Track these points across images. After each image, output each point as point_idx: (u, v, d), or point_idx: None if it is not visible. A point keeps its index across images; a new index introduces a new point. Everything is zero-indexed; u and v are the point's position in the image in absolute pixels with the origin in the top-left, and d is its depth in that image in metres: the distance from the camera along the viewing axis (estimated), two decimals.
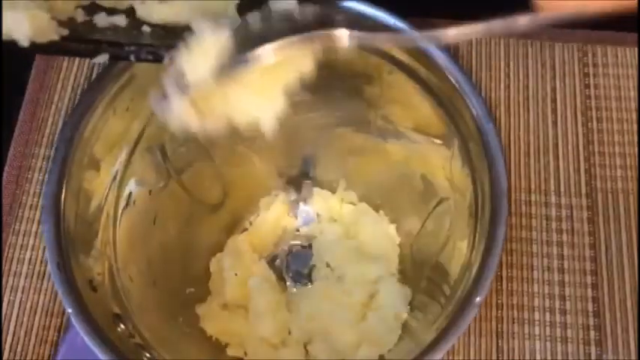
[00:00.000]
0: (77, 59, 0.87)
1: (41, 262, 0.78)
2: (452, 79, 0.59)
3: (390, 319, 0.70)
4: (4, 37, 0.48)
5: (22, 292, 0.77)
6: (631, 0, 0.42)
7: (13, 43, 0.48)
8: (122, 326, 0.58)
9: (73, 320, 0.54)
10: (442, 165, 0.66)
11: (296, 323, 0.73)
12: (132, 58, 0.53)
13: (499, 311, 0.75)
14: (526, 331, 0.74)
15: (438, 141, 0.65)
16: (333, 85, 0.69)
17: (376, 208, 0.79)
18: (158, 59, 0.52)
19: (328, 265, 0.77)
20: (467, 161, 0.61)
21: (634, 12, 0.43)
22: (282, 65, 0.49)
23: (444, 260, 0.68)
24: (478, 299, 0.53)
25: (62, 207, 0.57)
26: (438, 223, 0.71)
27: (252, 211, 0.80)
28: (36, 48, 0.49)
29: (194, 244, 0.77)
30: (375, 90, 0.68)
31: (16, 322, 0.76)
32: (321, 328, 0.72)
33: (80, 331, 0.53)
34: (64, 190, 0.58)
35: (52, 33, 0.50)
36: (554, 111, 0.84)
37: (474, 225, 0.59)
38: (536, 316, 0.75)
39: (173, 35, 0.51)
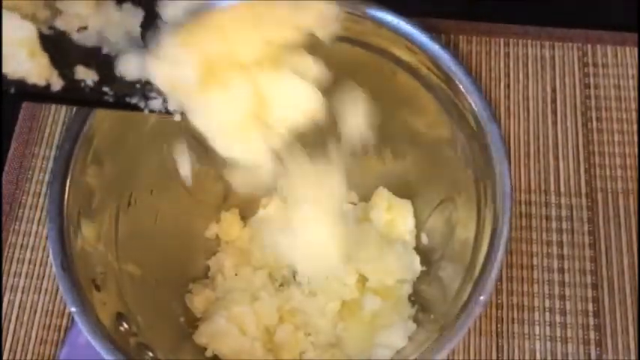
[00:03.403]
0: None
1: (41, 262, 0.79)
2: (455, 80, 0.59)
3: (393, 321, 0.69)
4: None
5: (22, 292, 0.77)
6: None
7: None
8: (125, 325, 0.57)
9: (77, 319, 0.53)
10: (445, 165, 0.66)
11: (297, 322, 0.72)
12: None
13: (499, 311, 0.75)
14: (526, 331, 0.74)
15: (441, 141, 0.65)
16: (336, 84, 0.68)
17: None
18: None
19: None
20: (470, 162, 0.61)
21: None
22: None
23: (447, 260, 0.68)
24: (482, 298, 0.53)
25: (66, 205, 0.57)
26: (439, 223, 0.71)
27: (253, 210, 0.80)
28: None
29: (195, 244, 0.77)
30: (378, 90, 0.67)
31: (16, 322, 0.76)
32: (322, 327, 0.72)
33: (84, 331, 0.53)
34: (67, 190, 0.57)
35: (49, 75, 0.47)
36: (554, 111, 0.84)
37: (477, 225, 0.59)
38: (536, 316, 0.75)
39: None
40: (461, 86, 0.59)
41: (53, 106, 0.86)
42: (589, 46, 0.87)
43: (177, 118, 0.50)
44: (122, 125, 0.63)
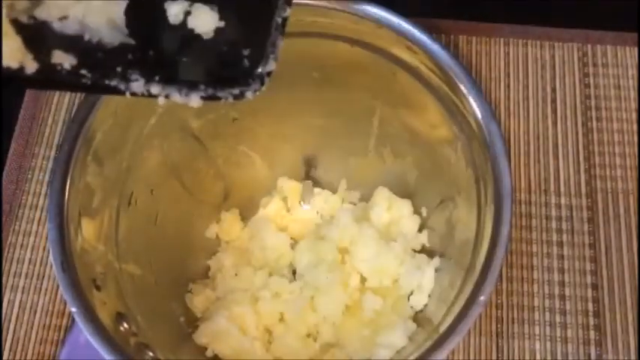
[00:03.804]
0: None
1: (41, 262, 0.79)
2: (456, 80, 0.59)
3: (393, 321, 0.69)
4: None
5: (22, 292, 0.77)
6: None
7: None
8: (125, 325, 0.57)
9: (78, 319, 0.53)
10: (445, 165, 0.66)
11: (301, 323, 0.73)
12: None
13: (499, 311, 0.75)
14: (526, 331, 0.74)
15: (442, 141, 0.65)
16: (336, 84, 0.69)
17: None
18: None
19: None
20: (470, 162, 0.61)
21: None
22: None
23: (447, 259, 0.68)
24: (482, 298, 0.53)
25: (66, 205, 0.57)
26: (440, 222, 0.71)
27: (253, 210, 0.80)
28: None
29: (194, 244, 0.77)
30: (378, 90, 0.68)
31: (16, 321, 0.76)
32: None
33: (84, 331, 0.53)
34: (67, 189, 0.57)
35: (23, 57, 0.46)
36: (554, 111, 0.84)
37: (478, 225, 0.59)
38: (536, 316, 0.75)
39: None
40: (461, 86, 0.59)
41: (53, 106, 0.86)
42: (589, 46, 0.87)
43: (160, 101, 0.48)
44: (122, 125, 0.63)
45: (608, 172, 0.81)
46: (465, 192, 0.63)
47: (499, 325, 0.75)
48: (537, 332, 0.74)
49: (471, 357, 0.74)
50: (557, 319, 0.74)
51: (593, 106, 0.84)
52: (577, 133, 0.83)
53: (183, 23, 0.49)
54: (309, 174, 0.81)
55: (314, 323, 0.72)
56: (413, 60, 0.62)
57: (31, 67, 0.45)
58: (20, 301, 0.77)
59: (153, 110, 0.66)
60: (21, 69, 0.45)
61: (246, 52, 0.48)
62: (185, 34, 0.49)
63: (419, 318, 0.69)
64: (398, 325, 0.67)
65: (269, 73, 0.47)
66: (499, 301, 0.75)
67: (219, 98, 0.47)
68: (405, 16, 0.61)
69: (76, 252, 0.56)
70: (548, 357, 0.73)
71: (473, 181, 0.61)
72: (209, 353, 0.69)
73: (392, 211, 0.75)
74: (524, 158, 0.82)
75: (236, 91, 0.47)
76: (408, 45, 0.61)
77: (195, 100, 0.47)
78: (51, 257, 0.56)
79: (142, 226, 0.68)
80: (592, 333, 0.74)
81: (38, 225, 0.80)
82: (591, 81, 0.85)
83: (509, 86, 0.86)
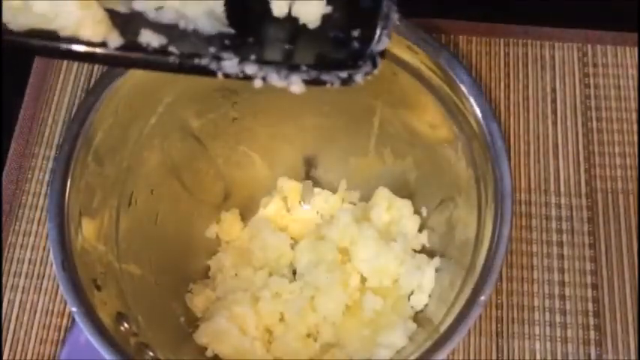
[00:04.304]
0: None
1: (41, 261, 0.79)
2: (456, 80, 0.59)
3: (393, 321, 0.69)
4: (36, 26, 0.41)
5: (22, 292, 0.77)
6: None
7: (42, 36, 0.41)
8: (126, 325, 0.58)
9: (78, 319, 0.53)
10: (445, 165, 0.66)
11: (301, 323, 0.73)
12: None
13: (499, 311, 0.75)
14: (526, 331, 0.74)
15: (442, 141, 0.65)
16: None
17: None
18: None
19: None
20: (471, 162, 0.61)
21: None
22: None
23: (447, 260, 0.68)
24: (482, 298, 0.53)
25: (66, 205, 0.57)
26: (440, 223, 0.71)
27: (253, 210, 0.80)
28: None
29: (195, 244, 0.77)
30: (379, 90, 0.67)
31: (16, 321, 0.76)
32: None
33: (85, 331, 0.53)
34: (68, 189, 0.57)
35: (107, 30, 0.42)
36: (554, 111, 0.84)
37: (478, 225, 0.59)
38: (536, 316, 0.75)
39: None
40: (461, 86, 0.59)
41: (53, 106, 0.86)
42: (589, 46, 0.87)
43: (257, 84, 0.42)
44: (123, 124, 0.63)
45: (608, 172, 0.81)
46: (465, 192, 0.63)
47: (499, 325, 0.74)
48: (537, 332, 0.74)
49: (471, 357, 0.74)
50: (557, 319, 0.74)
51: (593, 106, 0.84)
52: (577, 133, 0.83)
53: (288, 14, 0.45)
54: (309, 174, 0.81)
55: (314, 323, 0.72)
56: (413, 60, 0.62)
57: (115, 43, 0.42)
58: (20, 301, 0.77)
59: (153, 110, 0.66)
60: (103, 44, 0.41)
61: (355, 34, 0.44)
62: (290, 25, 0.45)
63: (419, 318, 0.69)
64: (398, 325, 0.67)
65: (382, 53, 0.44)
66: (499, 301, 0.75)
67: (324, 82, 0.42)
68: (405, 16, 0.61)
69: (76, 251, 0.56)
70: (548, 357, 0.73)
71: (473, 181, 0.61)
72: (209, 353, 0.69)
73: (392, 211, 0.75)
74: (524, 158, 0.82)
75: (344, 74, 0.42)
76: (408, 45, 0.60)
77: (296, 84, 0.42)
78: (51, 257, 0.56)
79: (142, 226, 0.68)
80: (592, 333, 0.74)
81: (38, 225, 0.80)
82: (591, 81, 0.85)
83: (509, 86, 0.86)
